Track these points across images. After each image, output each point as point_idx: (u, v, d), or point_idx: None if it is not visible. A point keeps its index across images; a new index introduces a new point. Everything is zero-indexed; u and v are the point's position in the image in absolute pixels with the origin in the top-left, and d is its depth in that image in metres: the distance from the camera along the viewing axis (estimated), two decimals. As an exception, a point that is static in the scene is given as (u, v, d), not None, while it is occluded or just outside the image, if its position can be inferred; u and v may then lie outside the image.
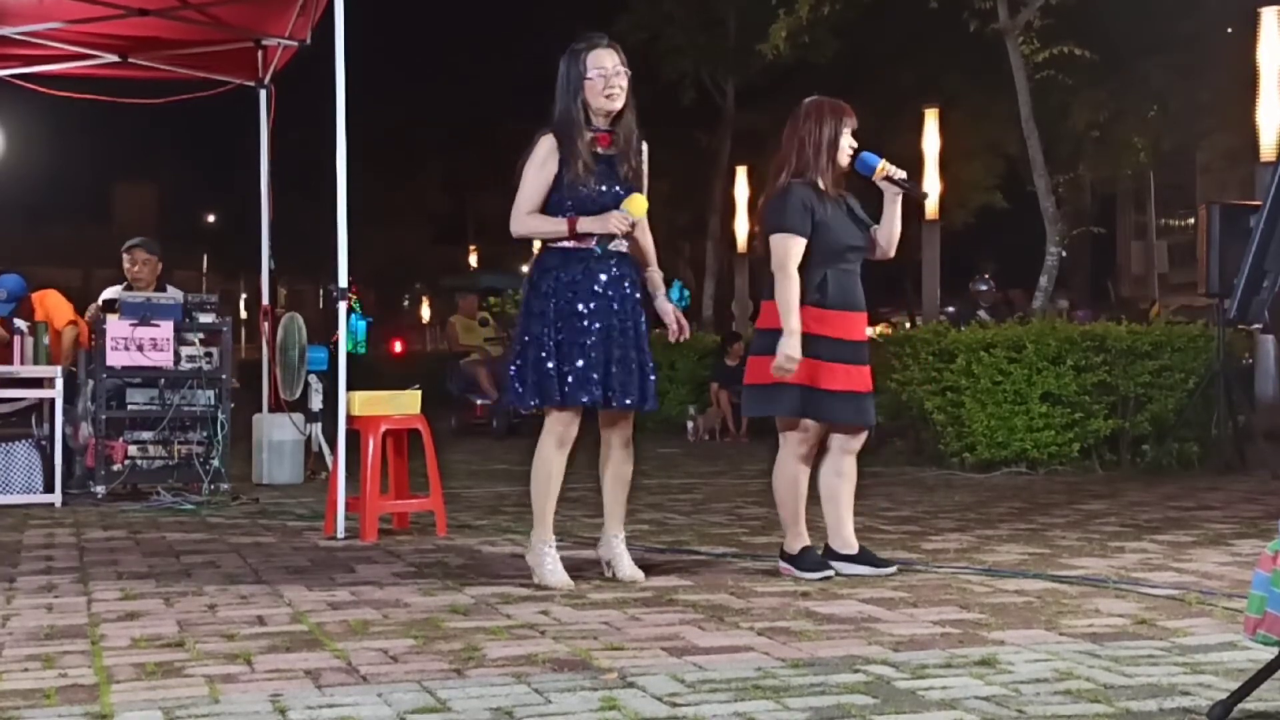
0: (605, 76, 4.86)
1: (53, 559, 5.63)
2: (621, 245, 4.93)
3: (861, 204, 5.24)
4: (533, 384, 4.84)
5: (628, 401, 4.87)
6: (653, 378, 4.98)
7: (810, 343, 4.97)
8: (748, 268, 22.69)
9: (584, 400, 4.82)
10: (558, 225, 4.87)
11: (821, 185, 5.06)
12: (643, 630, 4.05)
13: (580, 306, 4.85)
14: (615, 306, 4.90)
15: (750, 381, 5.14)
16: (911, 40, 20.84)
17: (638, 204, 4.87)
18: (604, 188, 4.87)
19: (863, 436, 5.18)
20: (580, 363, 4.81)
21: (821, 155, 5.06)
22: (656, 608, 4.42)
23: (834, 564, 5.09)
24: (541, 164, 4.89)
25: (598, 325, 4.85)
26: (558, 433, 4.89)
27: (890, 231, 5.17)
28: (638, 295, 4.99)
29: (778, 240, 5.02)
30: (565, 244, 4.89)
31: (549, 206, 4.90)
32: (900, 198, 5.17)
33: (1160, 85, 19.43)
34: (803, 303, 4.99)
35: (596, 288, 4.87)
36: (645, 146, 5.02)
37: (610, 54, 4.90)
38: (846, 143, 5.09)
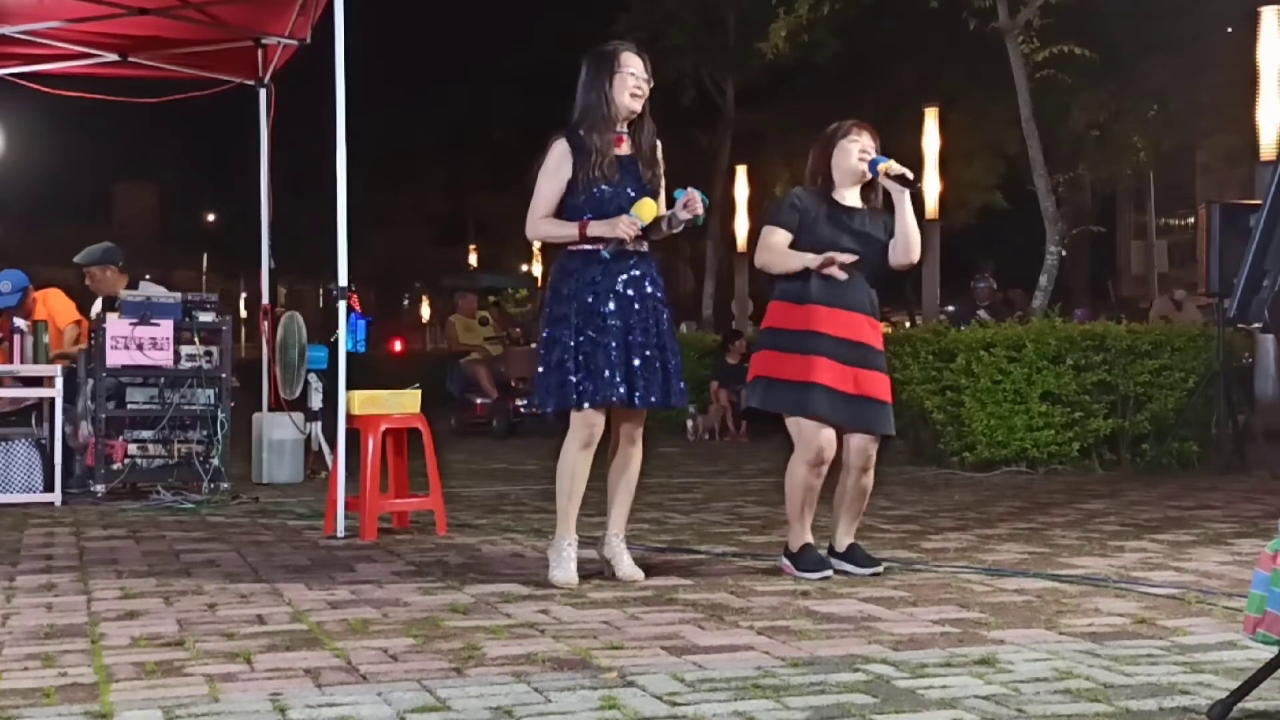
0: (635, 77, 4.91)
1: (52, 558, 5.63)
2: (642, 245, 4.94)
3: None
4: (555, 386, 4.86)
5: (652, 400, 4.88)
6: (677, 376, 4.98)
7: (786, 336, 5.05)
8: (747, 267, 22.68)
9: (611, 400, 4.82)
10: (570, 230, 4.90)
11: (836, 197, 5.16)
12: (643, 629, 4.05)
13: (601, 308, 4.86)
14: (636, 306, 4.91)
15: (749, 376, 5.19)
16: (911, 40, 20.82)
17: (647, 208, 4.87)
18: (618, 189, 4.90)
19: (862, 453, 5.08)
20: (602, 364, 4.82)
21: (817, 175, 5.19)
22: (656, 607, 4.42)
23: (831, 560, 5.12)
24: (555, 170, 4.92)
25: (618, 325, 4.86)
26: (582, 434, 4.89)
27: (903, 233, 5.11)
28: (659, 294, 5.00)
29: (763, 231, 5.19)
30: (585, 246, 4.91)
31: (567, 210, 4.93)
32: (907, 196, 5.14)
33: (1160, 85, 19.42)
34: (785, 299, 5.09)
35: (617, 288, 4.89)
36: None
37: (640, 60, 4.98)
38: (855, 148, 5.12)
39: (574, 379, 4.83)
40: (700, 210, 4.94)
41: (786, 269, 5.08)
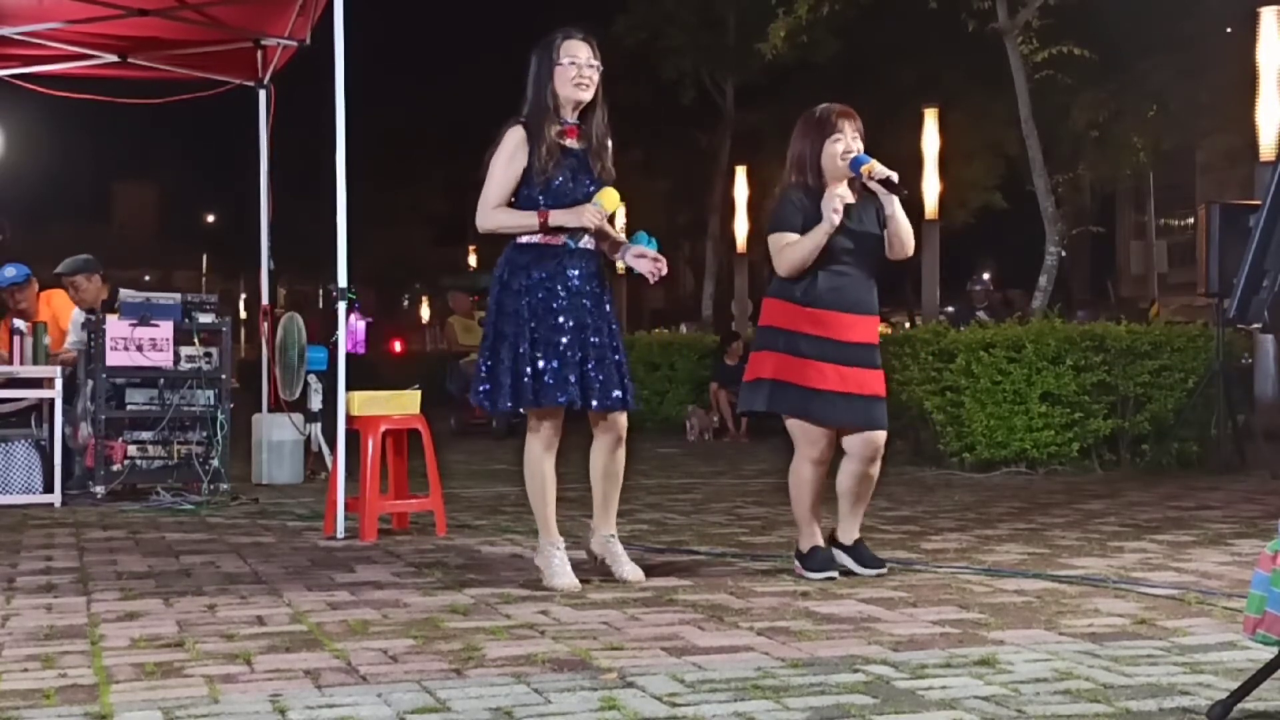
0: (577, 66, 4.81)
1: (52, 559, 5.63)
2: (589, 243, 4.89)
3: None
4: (507, 386, 4.76)
5: (609, 401, 4.83)
6: (628, 376, 4.93)
7: (794, 339, 5.00)
8: (747, 268, 22.70)
9: (561, 400, 4.75)
10: (528, 219, 4.79)
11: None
12: (642, 630, 4.04)
13: (554, 304, 4.78)
14: (588, 304, 4.84)
15: (744, 378, 5.17)
16: (911, 40, 20.84)
17: (611, 197, 4.81)
18: (574, 182, 4.83)
19: (870, 445, 5.06)
20: (555, 363, 4.75)
21: (805, 170, 5.09)
22: (656, 608, 4.42)
23: (833, 551, 5.14)
24: (510, 157, 4.81)
25: (572, 323, 4.80)
26: (543, 435, 4.85)
27: (894, 233, 5.08)
28: (608, 294, 4.96)
29: (771, 240, 5.10)
30: (535, 239, 4.82)
31: (521, 201, 4.83)
32: (895, 197, 5.11)
33: (1160, 85, 19.42)
34: (790, 300, 5.04)
35: (571, 285, 4.82)
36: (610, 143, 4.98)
37: (584, 46, 4.86)
38: (839, 149, 5.06)
39: (529, 378, 4.74)
40: (656, 271, 4.93)
41: (814, 250, 4.97)
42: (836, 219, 4.95)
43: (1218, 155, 25.55)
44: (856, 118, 5.13)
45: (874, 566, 5.09)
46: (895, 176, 5.03)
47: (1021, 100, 13.17)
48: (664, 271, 4.99)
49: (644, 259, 4.93)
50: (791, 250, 5.00)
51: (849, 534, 5.16)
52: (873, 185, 5.05)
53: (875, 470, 5.14)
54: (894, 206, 5.06)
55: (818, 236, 4.96)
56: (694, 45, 22.99)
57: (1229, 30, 17.85)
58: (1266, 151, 11.68)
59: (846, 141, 5.06)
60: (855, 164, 5.05)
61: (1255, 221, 3.14)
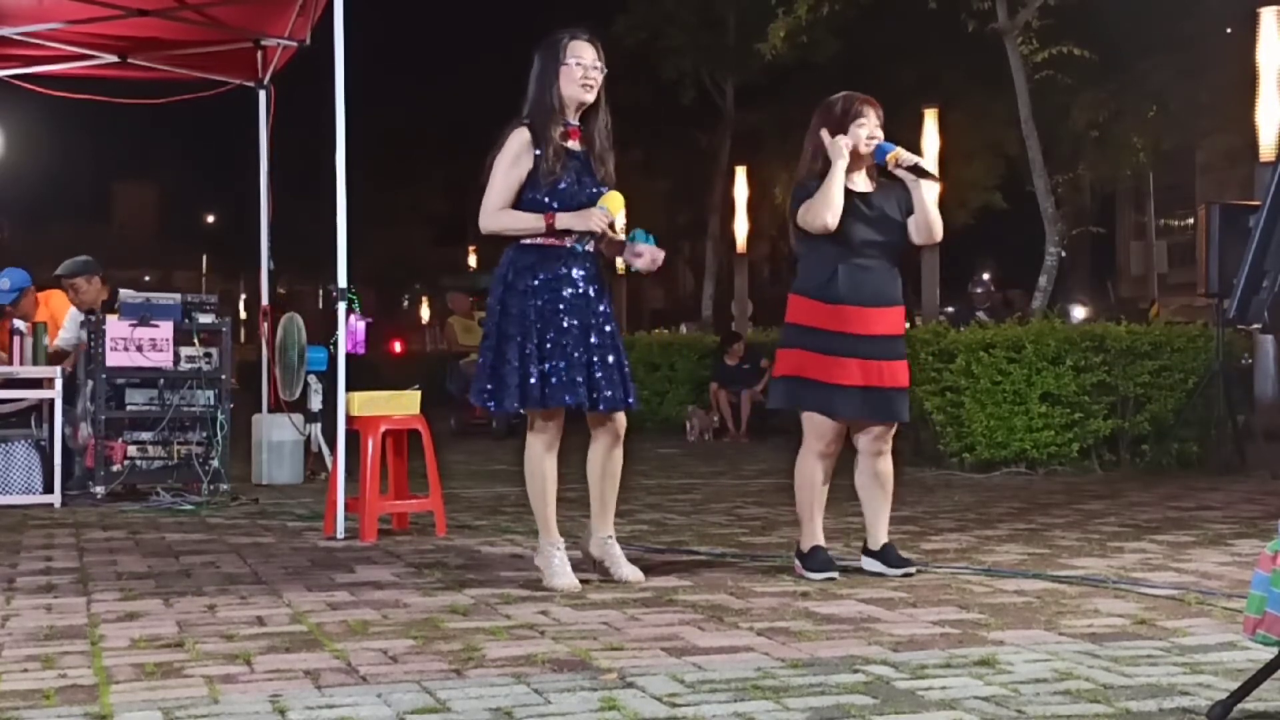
0: (583, 67, 4.81)
1: (52, 559, 5.63)
2: (590, 244, 4.89)
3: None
4: (514, 387, 4.76)
5: (612, 401, 4.83)
6: (630, 377, 4.93)
7: (817, 336, 4.98)
8: (747, 267, 22.67)
9: (568, 401, 4.75)
10: (534, 221, 4.79)
11: (848, 184, 5.03)
12: (642, 630, 4.04)
13: (560, 306, 4.79)
14: (591, 306, 4.85)
15: (772, 374, 5.18)
16: (911, 40, 20.82)
17: (615, 201, 4.81)
18: (579, 185, 4.83)
19: (884, 435, 5.09)
20: (563, 363, 4.76)
21: (819, 161, 5.05)
22: (656, 608, 4.42)
23: (864, 559, 5.13)
24: (515, 159, 4.81)
25: (577, 324, 4.80)
26: (545, 436, 4.85)
27: (922, 219, 5.05)
28: (608, 295, 4.96)
29: (799, 215, 5.04)
30: (539, 240, 4.82)
31: (526, 203, 4.83)
32: (921, 183, 5.06)
33: (1160, 85, 19.41)
34: (811, 296, 5.02)
35: (575, 287, 4.82)
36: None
37: (589, 47, 4.86)
38: (864, 133, 5.03)
39: (535, 379, 4.74)
40: (654, 264, 4.94)
41: (837, 190, 4.92)
42: (846, 151, 4.93)
43: (1218, 155, 25.53)
44: (878, 106, 5.12)
45: (899, 566, 5.06)
46: (923, 162, 5.02)
47: (1021, 100, 13.17)
48: (660, 262, 4.98)
49: (641, 257, 4.93)
50: (814, 203, 4.94)
51: (877, 538, 5.14)
52: (899, 173, 5.03)
53: (885, 465, 5.12)
54: (920, 190, 5.03)
55: (835, 174, 4.92)
56: (694, 45, 22.99)
57: (1229, 30, 17.84)
58: (1266, 151, 11.67)
59: (871, 127, 5.04)
60: (880, 152, 5.03)
61: (1255, 221, 3.14)
